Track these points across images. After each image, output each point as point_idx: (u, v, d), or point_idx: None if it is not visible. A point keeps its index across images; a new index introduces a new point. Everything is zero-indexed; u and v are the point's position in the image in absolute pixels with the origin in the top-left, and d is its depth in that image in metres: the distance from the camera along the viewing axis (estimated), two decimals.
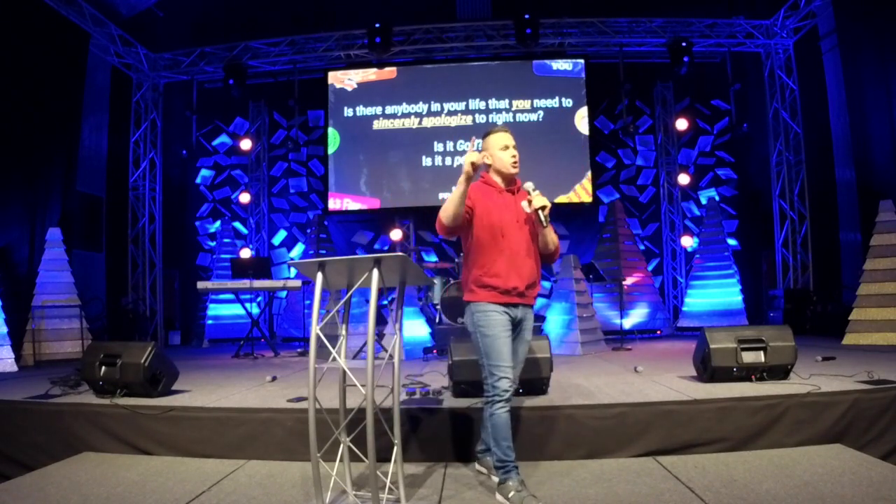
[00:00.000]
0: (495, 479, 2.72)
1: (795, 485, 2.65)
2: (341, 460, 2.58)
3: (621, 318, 7.68)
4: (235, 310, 9.37)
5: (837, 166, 8.40)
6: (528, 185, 2.75)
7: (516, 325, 2.76)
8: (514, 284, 2.68)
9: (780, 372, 3.87)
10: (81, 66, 8.43)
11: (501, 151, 2.79)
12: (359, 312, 6.60)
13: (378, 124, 10.04)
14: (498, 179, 2.83)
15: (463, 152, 9.86)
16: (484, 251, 2.72)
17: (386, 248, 10.31)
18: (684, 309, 9.43)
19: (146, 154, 10.13)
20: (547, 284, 10.11)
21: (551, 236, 2.80)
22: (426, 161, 9.91)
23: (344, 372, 2.56)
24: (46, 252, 7.23)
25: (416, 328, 7.27)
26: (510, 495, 2.54)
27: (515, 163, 2.79)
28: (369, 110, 10.07)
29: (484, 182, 2.85)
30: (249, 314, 7.66)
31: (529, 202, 2.70)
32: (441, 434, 3.34)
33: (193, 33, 9.86)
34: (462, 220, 2.65)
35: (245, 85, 9.68)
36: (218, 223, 10.60)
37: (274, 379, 4.80)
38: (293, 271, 9.63)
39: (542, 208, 2.65)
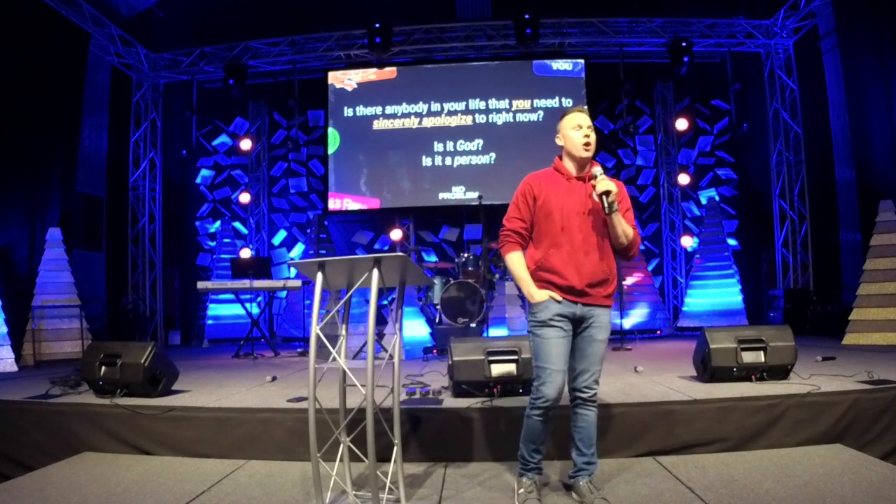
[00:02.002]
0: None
1: (795, 485, 2.65)
2: (341, 460, 2.58)
3: (621, 318, 7.68)
4: (235, 310, 9.36)
5: (837, 166, 8.40)
6: (596, 170, 2.47)
7: (577, 323, 2.50)
8: (571, 283, 2.45)
9: (780, 372, 3.87)
10: (81, 66, 8.44)
11: (574, 131, 2.52)
12: (359, 312, 6.60)
13: (378, 124, 10.04)
14: (569, 164, 2.57)
15: (463, 152, 9.86)
16: (541, 244, 2.51)
17: (386, 248, 10.31)
18: (684, 309, 9.43)
19: (146, 154, 10.13)
20: None
21: (622, 227, 2.48)
22: (426, 161, 9.91)
23: (344, 372, 2.56)
24: (46, 252, 7.23)
25: (416, 328, 7.26)
26: (519, 492, 2.57)
27: (588, 144, 2.50)
28: (369, 110, 10.07)
29: (554, 168, 2.61)
30: (249, 314, 7.66)
31: (594, 188, 2.42)
32: (441, 434, 3.34)
33: (193, 33, 9.86)
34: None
35: (245, 85, 9.68)
36: (218, 223, 10.60)
37: (274, 379, 4.79)
38: (293, 271, 9.63)
39: (606, 193, 2.37)
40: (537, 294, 2.47)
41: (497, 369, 3.69)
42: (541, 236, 2.53)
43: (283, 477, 3.04)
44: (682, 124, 10.18)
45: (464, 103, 9.93)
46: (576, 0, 9.59)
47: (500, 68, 10.05)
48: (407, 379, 4.52)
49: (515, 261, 2.56)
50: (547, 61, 9.90)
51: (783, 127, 9.50)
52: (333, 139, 10.10)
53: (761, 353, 3.83)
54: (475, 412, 3.37)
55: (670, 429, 3.27)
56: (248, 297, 8.59)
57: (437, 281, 7.33)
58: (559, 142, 2.61)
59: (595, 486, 2.58)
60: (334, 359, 2.44)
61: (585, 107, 2.67)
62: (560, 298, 2.46)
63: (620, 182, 2.57)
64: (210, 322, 9.72)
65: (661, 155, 10.54)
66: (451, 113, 9.96)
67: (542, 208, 2.51)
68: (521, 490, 2.55)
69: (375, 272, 2.38)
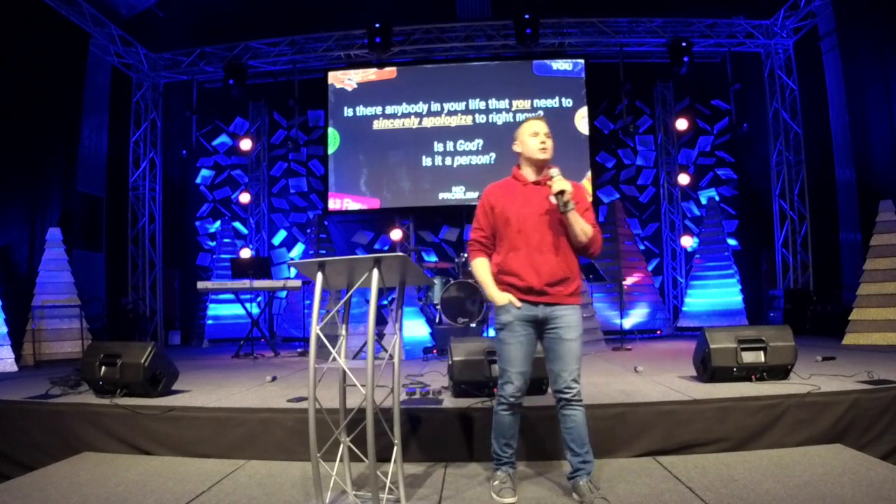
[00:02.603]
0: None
1: (795, 485, 2.65)
2: (341, 460, 2.58)
3: (621, 318, 7.68)
4: (235, 310, 9.37)
5: (837, 166, 8.40)
6: (553, 171, 2.56)
7: (542, 324, 2.58)
8: (530, 283, 2.53)
9: (780, 372, 3.87)
10: (81, 66, 8.43)
11: (531, 137, 2.64)
12: (359, 312, 6.60)
13: (378, 124, 10.04)
14: (527, 171, 2.69)
15: (463, 152, 9.86)
16: (502, 248, 2.64)
17: (386, 248, 10.31)
18: (684, 309, 9.43)
19: (146, 154, 10.13)
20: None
21: (580, 225, 2.54)
22: (426, 161, 9.91)
23: (344, 372, 2.56)
24: (46, 252, 7.23)
25: (416, 328, 7.26)
26: (493, 484, 2.68)
27: (544, 148, 2.61)
28: (369, 110, 10.07)
29: (512, 177, 2.73)
30: (249, 314, 7.66)
31: (550, 188, 2.52)
32: (441, 434, 3.34)
33: (193, 33, 9.86)
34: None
35: (245, 85, 9.68)
36: (218, 223, 10.60)
37: (274, 379, 4.79)
38: (293, 271, 9.63)
39: (561, 192, 2.47)
40: (499, 297, 2.59)
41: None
42: (501, 241, 2.65)
43: (283, 477, 3.04)
44: (682, 124, 10.19)
45: (464, 103, 9.93)
46: (576, 0, 9.60)
47: (500, 68, 10.05)
48: (407, 379, 4.53)
49: (479, 267, 2.72)
50: (547, 61, 9.90)
51: (783, 127, 9.50)
52: (333, 139, 10.10)
53: (761, 353, 3.83)
54: (475, 412, 3.37)
55: (670, 429, 3.27)
56: (248, 297, 8.59)
57: (437, 281, 7.33)
58: (517, 148, 2.71)
59: (595, 486, 2.60)
60: (334, 359, 2.44)
61: (541, 113, 2.75)
62: (520, 304, 2.56)
63: (579, 184, 2.70)
64: (210, 322, 9.72)
65: (661, 155, 10.54)
66: (451, 113, 9.96)
67: (500, 216, 2.63)
68: (496, 482, 2.67)
69: (375, 272, 2.38)
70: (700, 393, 3.57)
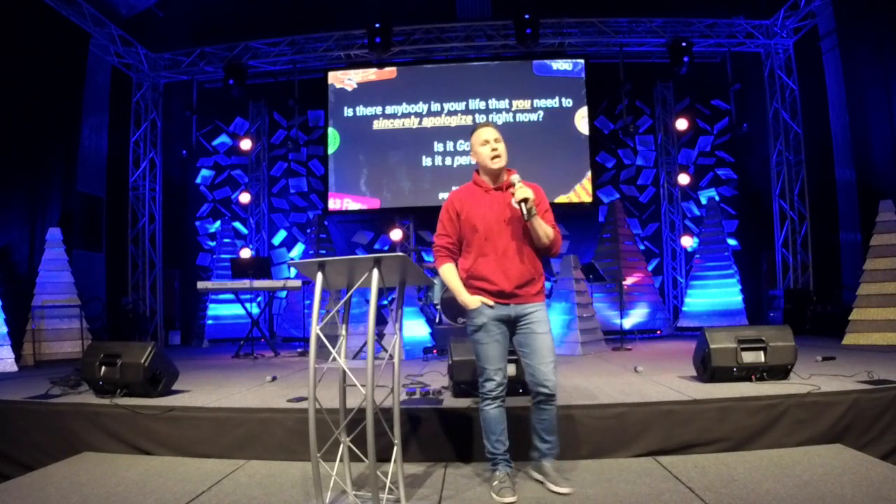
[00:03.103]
0: (555, 488, 2.68)
1: (795, 485, 2.65)
2: (341, 460, 2.58)
3: (621, 318, 7.68)
4: (235, 310, 9.37)
5: (837, 166, 8.40)
6: (514, 178, 2.63)
7: (514, 322, 2.69)
8: (501, 287, 2.64)
9: (780, 372, 3.87)
10: (81, 66, 8.44)
11: (482, 147, 2.71)
12: (359, 312, 6.60)
13: (378, 124, 10.04)
14: (486, 178, 2.76)
15: (463, 152, 9.87)
16: (470, 254, 2.71)
17: (386, 248, 10.31)
18: (684, 309, 9.43)
19: (146, 154, 10.13)
20: (547, 284, 10.11)
21: (543, 229, 2.66)
22: (426, 161, 9.91)
23: (344, 372, 2.56)
24: (46, 252, 7.23)
25: (416, 328, 7.26)
26: (493, 485, 2.68)
27: (496, 157, 2.68)
28: (369, 110, 10.07)
29: (473, 183, 2.79)
30: (249, 314, 7.66)
31: (513, 195, 2.60)
32: (441, 434, 3.34)
33: (193, 33, 9.86)
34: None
35: (245, 85, 9.68)
36: (218, 223, 10.60)
37: (274, 379, 4.80)
38: (293, 271, 9.63)
39: (525, 200, 2.55)
40: (471, 301, 2.68)
41: None
42: (469, 247, 2.72)
43: (283, 477, 3.04)
44: (682, 124, 10.19)
45: (464, 103, 9.93)
46: (576, 0, 9.60)
47: (500, 68, 10.05)
48: (407, 379, 4.53)
49: (447, 272, 2.76)
50: (547, 61, 9.90)
51: (783, 127, 9.50)
52: (333, 139, 10.10)
53: (761, 353, 3.83)
54: (475, 412, 3.35)
55: (670, 429, 3.27)
56: (248, 297, 8.60)
57: (436, 281, 7.33)
58: (473, 158, 2.79)
59: (558, 468, 2.77)
60: (334, 359, 2.44)
61: (491, 123, 2.85)
62: (492, 304, 2.66)
63: (538, 186, 2.75)
64: (210, 322, 9.72)
65: (661, 155, 10.54)
66: (451, 113, 9.96)
67: (466, 222, 2.70)
68: (496, 482, 2.68)
69: (375, 272, 2.38)
70: (700, 393, 3.57)
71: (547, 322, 2.70)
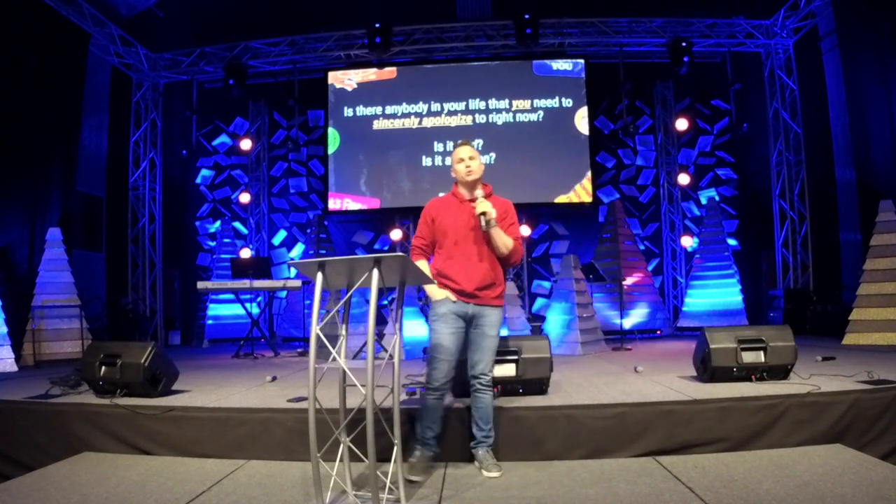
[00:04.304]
0: (486, 473, 2.99)
1: (795, 485, 2.65)
2: (341, 460, 2.58)
3: (621, 318, 7.68)
4: (235, 310, 9.37)
5: (837, 166, 8.39)
6: (477, 192, 2.97)
7: (471, 320, 2.99)
8: (464, 287, 2.95)
9: (780, 372, 3.87)
10: (81, 66, 8.43)
11: (458, 164, 3.05)
12: (359, 312, 6.60)
13: (378, 124, 10.04)
14: (462, 190, 3.08)
15: None
16: (440, 255, 3.06)
17: (386, 248, 10.32)
18: (684, 309, 9.43)
19: (146, 154, 10.13)
20: (547, 284, 10.12)
21: (501, 240, 2.97)
22: (426, 161, 9.91)
23: (344, 372, 2.56)
24: (46, 252, 7.23)
25: (416, 328, 7.27)
26: (410, 460, 2.96)
27: (468, 172, 3.02)
28: (369, 110, 10.07)
29: (451, 194, 3.13)
30: (249, 314, 7.66)
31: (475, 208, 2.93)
32: (441, 434, 3.33)
33: (193, 33, 9.85)
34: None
35: (245, 85, 9.68)
36: (218, 223, 10.60)
37: (274, 379, 4.80)
38: (293, 271, 9.63)
39: (483, 214, 2.88)
40: (438, 293, 2.99)
41: (497, 369, 3.69)
42: (440, 249, 3.08)
43: (283, 477, 3.04)
44: (682, 124, 10.18)
45: (464, 103, 9.93)
46: (576, 0, 9.60)
47: (500, 68, 10.05)
48: (407, 379, 4.53)
49: (421, 265, 3.02)
50: (547, 61, 9.90)
51: (783, 127, 9.50)
52: (333, 139, 10.10)
53: (761, 353, 3.83)
54: None
55: (670, 429, 3.27)
56: (248, 297, 8.60)
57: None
58: (453, 174, 3.14)
59: (491, 454, 3.06)
60: (334, 359, 2.44)
61: (468, 142, 3.13)
62: (455, 299, 2.97)
63: (508, 202, 3.13)
64: (210, 322, 9.72)
65: (661, 155, 10.54)
66: (451, 113, 9.96)
67: (439, 228, 3.05)
68: (413, 459, 2.95)
69: (375, 272, 2.38)
70: (700, 393, 3.57)
71: (498, 326, 3.04)
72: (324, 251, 9.58)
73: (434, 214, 3.09)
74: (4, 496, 2.81)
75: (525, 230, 9.87)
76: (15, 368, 6.16)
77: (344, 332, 2.62)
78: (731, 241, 9.70)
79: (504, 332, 6.98)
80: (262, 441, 3.40)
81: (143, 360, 3.79)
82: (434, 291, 3.01)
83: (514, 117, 9.87)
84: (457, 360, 2.98)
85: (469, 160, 3.03)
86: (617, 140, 10.39)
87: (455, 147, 3.12)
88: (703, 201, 10.23)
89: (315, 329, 2.42)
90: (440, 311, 2.97)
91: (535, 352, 3.77)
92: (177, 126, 10.34)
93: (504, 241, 2.98)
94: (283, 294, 9.79)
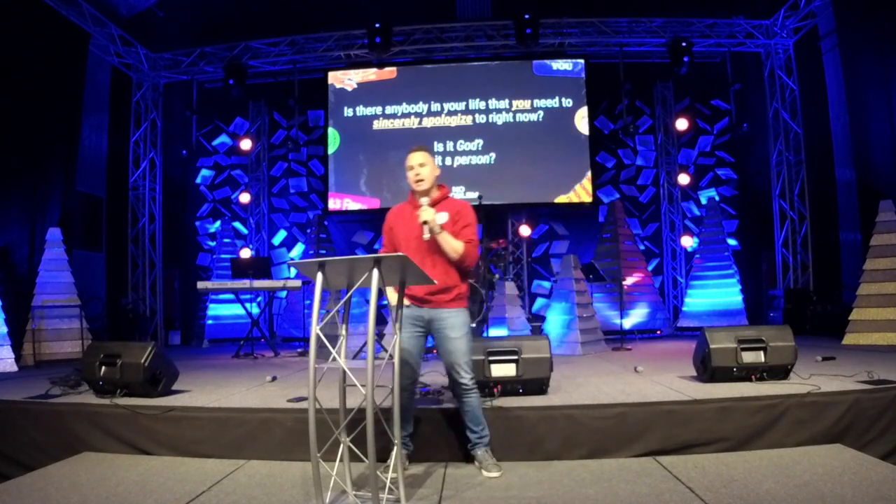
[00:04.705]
0: (486, 473, 2.98)
1: (795, 485, 2.65)
2: (341, 460, 2.58)
3: (621, 318, 7.68)
4: (235, 310, 9.36)
5: (837, 166, 8.39)
6: (423, 200, 2.97)
7: (430, 324, 3.01)
8: (414, 293, 2.98)
9: (780, 372, 3.87)
10: (81, 66, 8.43)
11: (409, 171, 3.09)
12: (359, 312, 6.60)
13: (378, 124, 10.04)
14: (417, 196, 3.09)
15: (463, 152, 9.87)
16: None
17: None
18: (684, 309, 9.43)
19: (146, 154, 10.13)
20: (547, 284, 10.12)
21: (449, 245, 2.94)
22: None
23: (344, 372, 2.56)
24: (46, 252, 7.23)
25: None
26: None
27: (418, 180, 3.04)
28: (369, 110, 10.07)
29: (408, 202, 3.17)
30: (249, 314, 7.66)
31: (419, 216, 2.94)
32: (441, 434, 3.34)
33: (193, 33, 9.85)
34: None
35: (245, 85, 9.68)
36: (218, 223, 10.60)
37: (274, 379, 4.80)
38: (293, 271, 9.63)
39: (425, 222, 2.87)
40: (389, 297, 2.93)
41: (497, 369, 3.70)
42: None
43: (283, 477, 3.04)
44: (682, 124, 10.18)
45: (464, 103, 9.92)
46: (576, 0, 9.59)
47: (500, 68, 10.05)
48: None
49: None
50: (547, 61, 9.90)
51: (783, 127, 9.50)
52: (333, 139, 10.10)
53: (761, 353, 3.83)
54: None
55: (670, 429, 3.27)
56: (248, 297, 8.59)
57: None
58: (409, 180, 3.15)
59: (490, 454, 3.05)
60: (334, 359, 2.44)
61: (422, 146, 3.17)
62: (408, 304, 2.98)
63: (465, 204, 3.14)
64: (210, 322, 9.72)
65: (661, 155, 10.54)
66: (451, 113, 9.96)
67: (396, 235, 3.12)
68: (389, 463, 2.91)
69: (375, 272, 2.38)
70: (700, 393, 3.57)
71: (460, 327, 3.00)
72: (324, 251, 9.58)
73: (392, 223, 3.16)
74: (4, 496, 2.81)
75: (525, 230, 9.87)
76: (15, 368, 6.16)
77: (344, 332, 2.62)
78: (731, 241, 9.70)
79: (504, 332, 7.01)
80: (262, 441, 3.40)
81: (143, 360, 3.79)
82: (389, 297, 2.99)
83: (514, 117, 9.87)
84: (417, 362, 3.03)
85: (419, 167, 3.03)
86: (617, 140, 10.39)
87: (408, 153, 3.12)
88: (703, 201, 10.23)
89: (315, 329, 2.42)
90: (404, 318, 2.94)
91: (535, 352, 3.77)
92: (177, 126, 10.34)
93: (453, 247, 2.95)
94: (283, 294, 9.79)
